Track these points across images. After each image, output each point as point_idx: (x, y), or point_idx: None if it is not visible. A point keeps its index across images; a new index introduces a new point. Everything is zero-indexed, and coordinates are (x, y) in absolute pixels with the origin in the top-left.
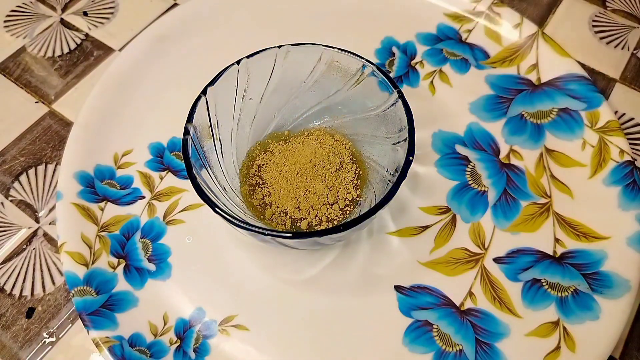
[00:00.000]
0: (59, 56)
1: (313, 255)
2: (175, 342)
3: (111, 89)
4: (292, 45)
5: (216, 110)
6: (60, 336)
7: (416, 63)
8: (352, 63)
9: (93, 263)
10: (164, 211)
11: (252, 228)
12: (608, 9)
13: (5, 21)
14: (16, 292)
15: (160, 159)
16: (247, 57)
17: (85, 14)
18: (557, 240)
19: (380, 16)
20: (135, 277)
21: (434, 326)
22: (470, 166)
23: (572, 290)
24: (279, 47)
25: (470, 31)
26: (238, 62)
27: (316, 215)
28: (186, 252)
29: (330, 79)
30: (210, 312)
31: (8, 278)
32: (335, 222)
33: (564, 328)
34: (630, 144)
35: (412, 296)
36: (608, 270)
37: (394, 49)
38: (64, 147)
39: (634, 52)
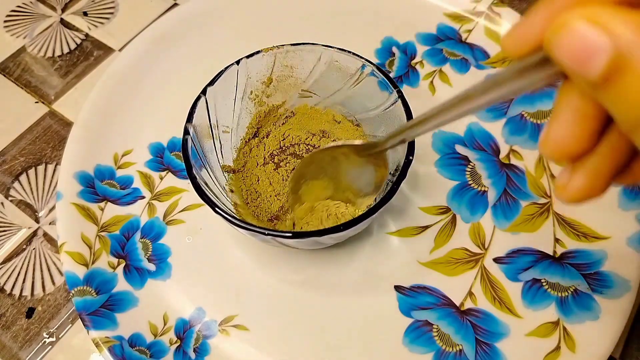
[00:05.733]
0: (59, 56)
1: (313, 255)
2: (175, 342)
3: (111, 89)
4: (292, 45)
5: (216, 110)
6: (60, 336)
7: (416, 63)
8: (352, 63)
9: (93, 263)
10: (164, 211)
11: (252, 228)
12: None
13: (5, 21)
14: (16, 292)
15: (160, 159)
16: (247, 57)
17: (85, 14)
18: (557, 240)
19: (380, 16)
20: (135, 277)
21: (434, 326)
22: (470, 166)
23: (572, 290)
24: (279, 47)
25: (470, 31)
26: (238, 62)
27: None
28: (186, 252)
29: (330, 79)
30: (210, 312)
31: (8, 278)
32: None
33: (564, 328)
34: None
35: (412, 296)
36: (608, 270)
37: (394, 49)
38: (64, 147)
39: None
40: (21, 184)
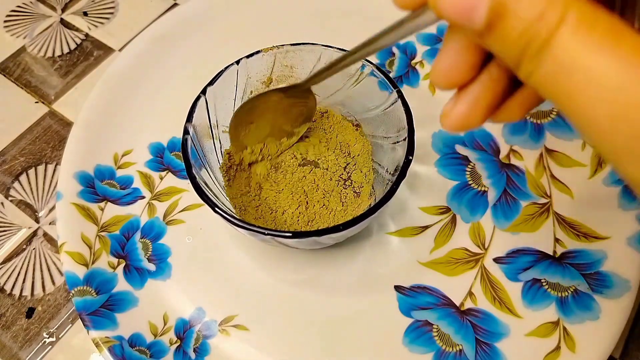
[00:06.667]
0: (59, 56)
1: (313, 255)
2: (175, 342)
3: (111, 89)
4: (292, 45)
5: (216, 110)
6: (60, 336)
7: (416, 63)
8: None
9: (93, 263)
10: (164, 211)
11: (252, 228)
12: None
13: (5, 21)
14: (16, 292)
15: (160, 159)
16: (247, 57)
17: (85, 14)
18: (557, 240)
19: (380, 16)
20: (135, 277)
21: (434, 326)
22: (470, 166)
23: (572, 290)
24: (279, 47)
25: None
26: (237, 62)
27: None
28: (186, 252)
29: (329, 79)
30: (210, 312)
31: (8, 278)
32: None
33: (564, 328)
34: None
35: (412, 296)
36: (608, 270)
37: (394, 49)
38: (64, 147)
39: None
40: (21, 184)
